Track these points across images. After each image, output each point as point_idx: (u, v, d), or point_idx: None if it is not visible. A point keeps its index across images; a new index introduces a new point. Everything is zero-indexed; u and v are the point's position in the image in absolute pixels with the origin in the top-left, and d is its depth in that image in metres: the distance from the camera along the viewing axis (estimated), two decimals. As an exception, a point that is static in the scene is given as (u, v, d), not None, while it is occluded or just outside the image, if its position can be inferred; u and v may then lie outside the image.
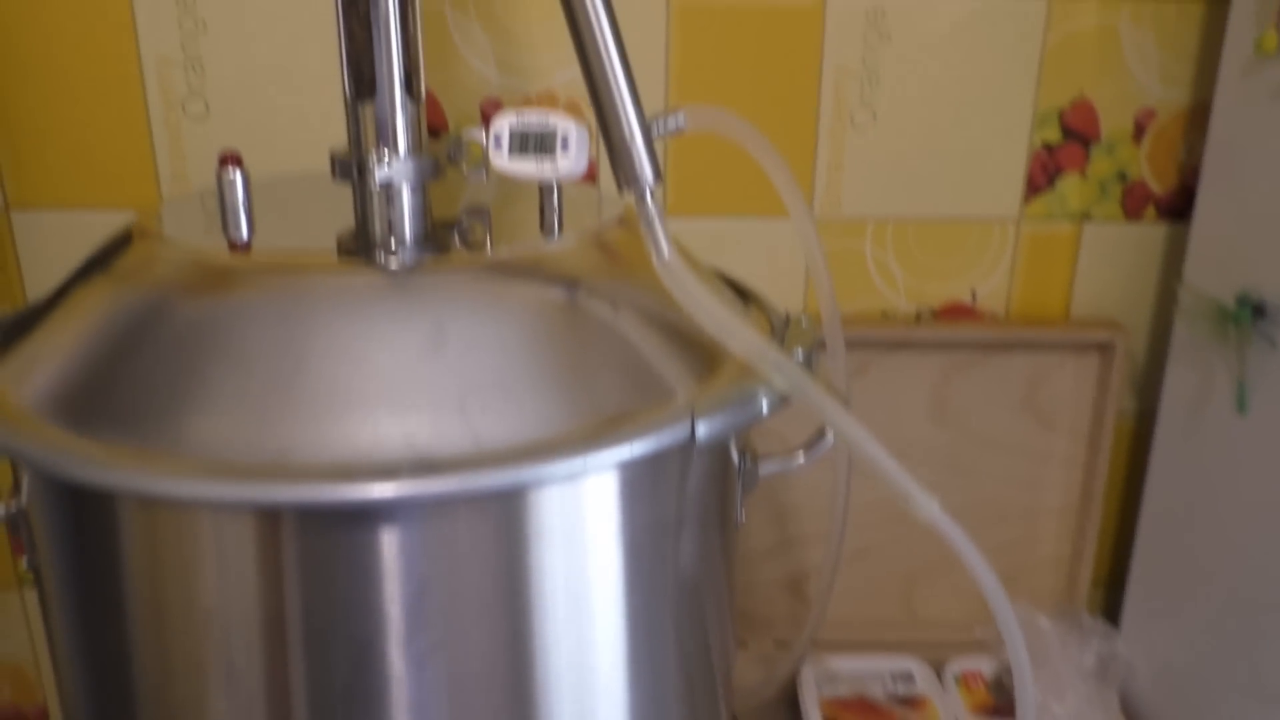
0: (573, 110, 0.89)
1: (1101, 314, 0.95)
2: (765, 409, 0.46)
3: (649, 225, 0.46)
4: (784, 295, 0.94)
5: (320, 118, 0.88)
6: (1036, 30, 0.88)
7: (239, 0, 0.85)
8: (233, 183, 0.55)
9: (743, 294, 0.63)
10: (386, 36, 0.51)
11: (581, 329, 0.47)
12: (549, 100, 0.88)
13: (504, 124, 0.52)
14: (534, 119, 0.52)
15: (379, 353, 0.41)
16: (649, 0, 0.86)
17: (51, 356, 0.44)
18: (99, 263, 0.52)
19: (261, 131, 0.88)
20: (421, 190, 0.54)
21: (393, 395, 0.40)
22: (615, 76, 0.45)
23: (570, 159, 0.52)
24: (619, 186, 0.46)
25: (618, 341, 0.48)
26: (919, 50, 0.88)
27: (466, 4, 0.86)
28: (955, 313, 0.96)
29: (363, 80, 0.52)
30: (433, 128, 0.89)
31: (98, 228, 0.90)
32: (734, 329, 0.47)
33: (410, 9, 0.52)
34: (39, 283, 0.92)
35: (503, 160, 0.52)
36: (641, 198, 0.46)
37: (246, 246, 0.55)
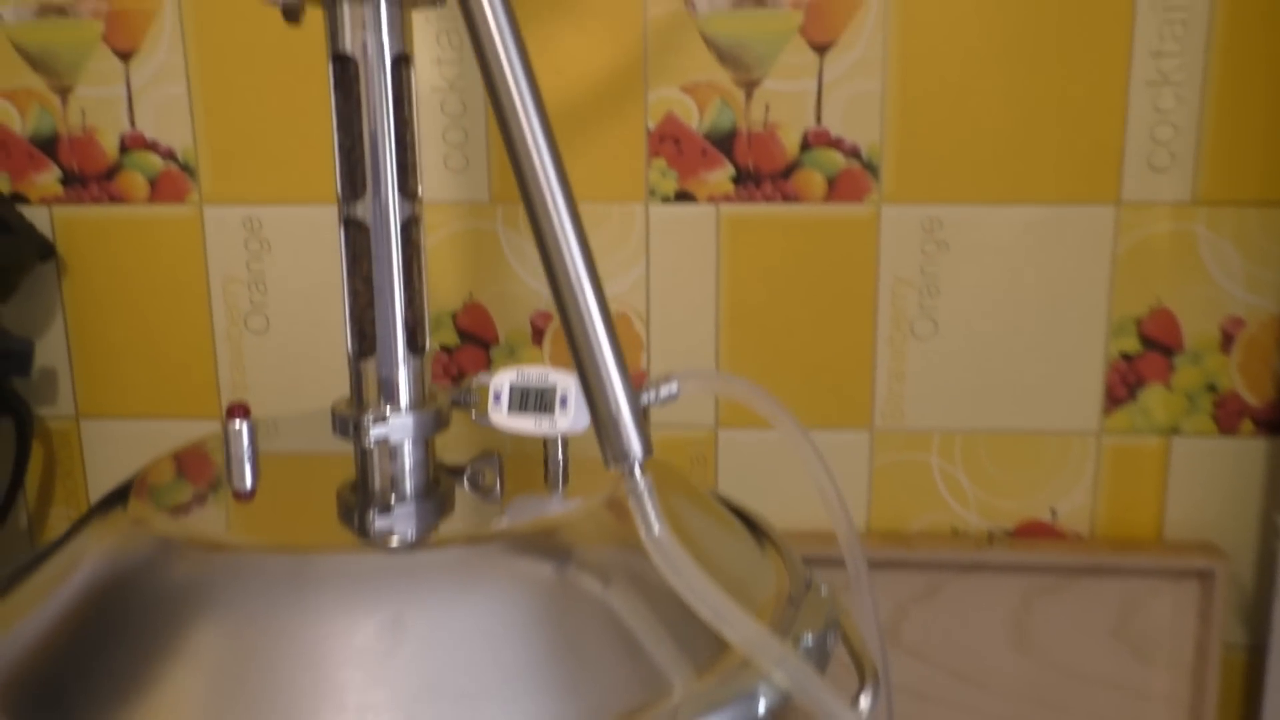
0: (622, 324, 0.88)
1: (1199, 536, 0.87)
2: (762, 709, 0.42)
3: (638, 502, 0.43)
4: (844, 511, 0.89)
5: (374, 331, 0.89)
6: (1106, 237, 0.84)
7: (302, 222, 0.88)
8: (238, 434, 0.55)
9: (763, 533, 0.59)
10: (390, 295, 0.50)
11: (566, 616, 0.43)
12: (598, 313, 0.88)
13: (504, 380, 0.51)
14: (534, 375, 0.51)
15: (327, 654, 0.38)
16: (698, 214, 0.86)
17: (10, 632, 0.43)
18: (94, 514, 0.52)
19: (319, 346, 0.90)
20: (424, 444, 0.53)
21: (334, 704, 0.37)
22: (599, 346, 0.43)
23: (569, 417, 0.49)
24: (605, 462, 0.43)
25: (607, 628, 0.44)
26: (980, 259, 0.85)
27: (518, 221, 0.87)
28: (1034, 532, 0.89)
29: (364, 338, 0.51)
30: (483, 340, 0.90)
31: (161, 437, 0.92)
32: (729, 616, 0.42)
33: (415, 266, 0.52)
34: (102, 489, 0.94)
35: (501, 417, 0.50)
36: (630, 474, 0.43)
37: (250, 495, 0.54)
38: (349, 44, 0.49)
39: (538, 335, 0.89)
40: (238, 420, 0.54)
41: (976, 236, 0.85)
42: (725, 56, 0.83)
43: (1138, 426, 0.86)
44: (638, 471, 0.43)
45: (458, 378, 0.90)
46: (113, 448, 0.94)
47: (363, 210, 0.50)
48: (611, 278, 0.87)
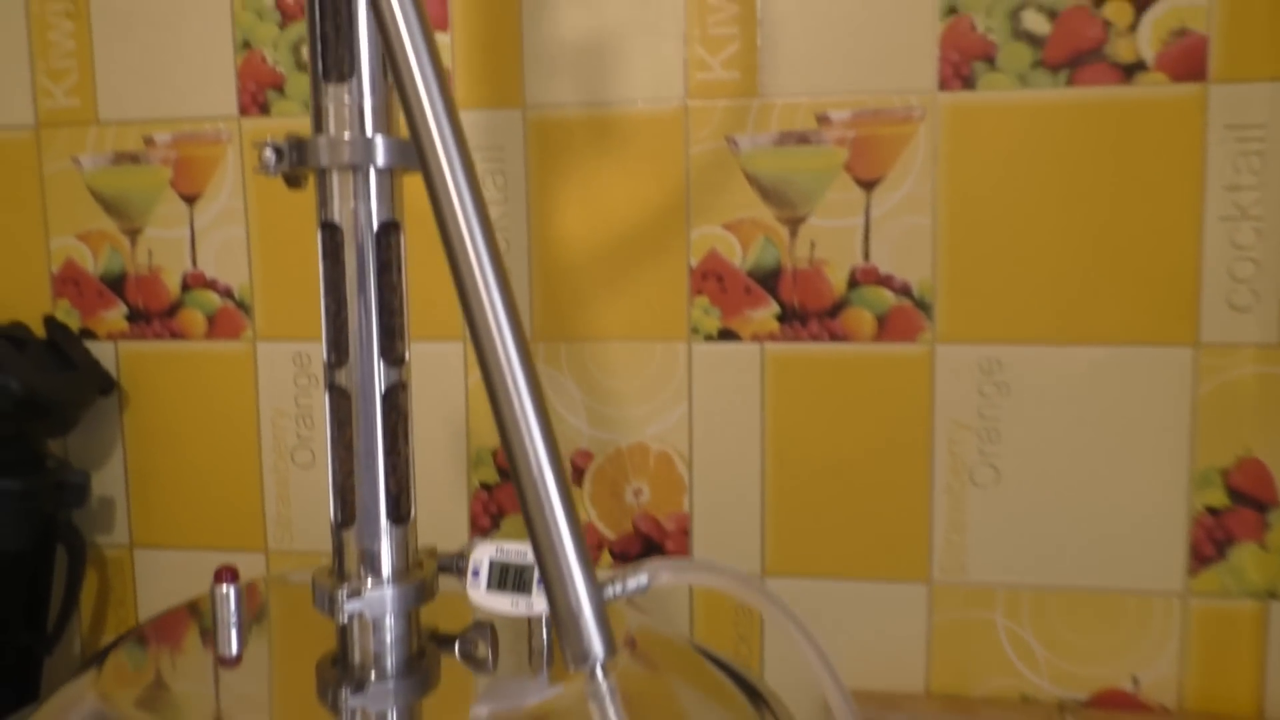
0: (664, 465, 0.85)
1: (1306, 716, 0.77)
2: None
3: (599, 707, 0.40)
4: (898, 666, 0.83)
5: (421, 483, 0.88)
6: (1184, 380, 0.77)
7: (349, 358, 0.89)
8: (225, 597, 0.54)
9: (766, 704, 0.54)
10: (372, 463, 0.49)
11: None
12: (640, 453, 0.85)
13: (484, 555, 0.48)
14: (514, 551, 0.48)
15: None
16: (742, 352, 0.83)
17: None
18: (73, 678, 0.51)
19: (360, 480, 0.90)
20: (406, 616, 0.50)
21: None
22: (559, 536, 0.40)
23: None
24: (565, 662, 0.40)
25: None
26: (1044, 403, 0.79)
27: (560, 359, 0.86)
28: (1113, 702, 0.80)
29: (346, 506, 0.50)
30: (523, 478, 0.88)
31: (209, 568, 0.93)
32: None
33: (401, 433, 0.50)
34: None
35: (479, 593, 0.48)
36: (591, 676, 0.40)
37: (234, 661, 0.53)
38: (336, 213, 0.48)
39: (577, 474, 0.87)
40: (224, 585, 0.53)
41: (1040, 378, 0.80)
42: (768, 193, 0.82)
43: (1229, 588, 0.78)
44: (599, 674, 0.40)
45: (498, 516, 0.88)
46: (164, 577, 0.94)
47: (345, 377, 0.49)
48: (653, 418, 0.85)
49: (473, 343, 0.41)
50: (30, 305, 0.93)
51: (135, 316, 0.92)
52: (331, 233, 0.49)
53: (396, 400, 0.50)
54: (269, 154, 0.48)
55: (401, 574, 0.50)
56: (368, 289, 0.48)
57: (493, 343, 0.40)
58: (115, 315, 0.92)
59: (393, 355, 0.49)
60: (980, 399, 0.81)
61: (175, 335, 0.91)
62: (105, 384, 0.90)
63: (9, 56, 0.91)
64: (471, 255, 0.40)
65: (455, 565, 0.53)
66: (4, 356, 0.82)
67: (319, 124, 0.48)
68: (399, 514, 0.50)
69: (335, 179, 0.48)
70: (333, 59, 0.48)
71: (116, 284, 0.92)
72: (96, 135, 0.91)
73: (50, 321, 0.91)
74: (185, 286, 0.91)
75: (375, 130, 0.48)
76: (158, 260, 0.91)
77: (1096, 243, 0.78)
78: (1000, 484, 0.81)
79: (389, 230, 0.49)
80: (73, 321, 0.93)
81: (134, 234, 0.91)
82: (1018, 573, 0.81)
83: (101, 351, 0.92)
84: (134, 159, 0.90)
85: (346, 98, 0.48)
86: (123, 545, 0.95)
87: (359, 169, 0.48)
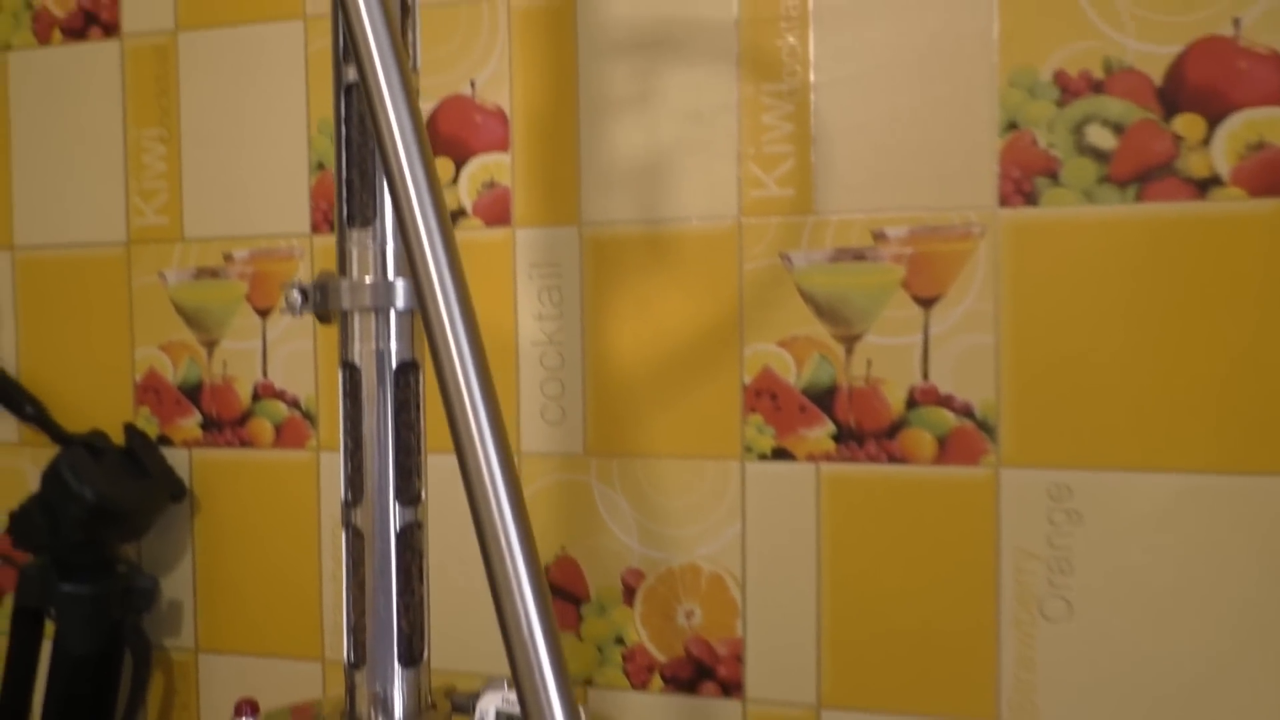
0: (716, 586, 0.83)
1: None
2: None
3: None
4: (966, 820, 0.77)
5: (471, 597, 0.88)
6: (1274, 498, 0.72)
7: (407, 469, 0.90)
8: (245, 733, 0.53)
9: None
10: (385, 604, 0.49)
11: None
12: (692, 574, 0.83)
13: (491, 705, 0.47)
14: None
15: None
16: (797, 472, 0.81)
17: None
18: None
19: (415, 592, 0.90)
20: (415, 762, 0.49)
21: None
22: (549, 701, 0.38)
23: (550, 756, 0.45)
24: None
25: None
26: (1121, 534, 0.75)
27: (612, 477, 0.85)
28: None
29: (359, 648, 0.49)
30: (575, 596, 0.86)
31: (266, 675, 0.94)
32: None
33: (415, 573, 0.50)
34: (212, 724, 0.96)
35: (485, 747, 0.47)
36: None
37: (252, 801, 0.52)
38: (357, 354, 0.49)
39: (629, 594, 0.85)
40: (244, 718, 0.53)
41: (1116, 507, 0.75)
42: (823, 311, 0.80)
43: (1335, 745, 0.71)
44: None
45: (549, 633, 0.87)
46: (227, 682, 0.96)
47: (360, 517, 0.49)
48: (706, 537, 0.83)
49: (465, 492, 0.40)
50: (112, 413, 0.97)
51: (209, 425, 0.95)
52: (351, 372, 0.50)
53: (411, 540, 0.50)
54: (295, 296, 0.49)
55: (413, 717, 0.49)
56: (385, 429, 0.49)
57: (485, 496, 0.39)
58: (191, 423, 0.95)
59: (408, 495, 0.49)
60: (1050, 527, 0.76)
61: (245, 443, 0.94)
62: (177, 491, 0.93)
63: (106, 178, 0.97)
64: (470, 416, 0.39)
65: (471, 705, 0.52)
66: (81, 465, 0.86)
67: (343, 267, 0.50)
68: (411, 655, 0.49)
69: (357, 320, 0.49)
70: (357, 204, 0.49)
71: (193, 393, 0.95)
72: (181, 251, 0.95)
73: (129, 429, 0.94)
74: (256, 396, 0.94)
75: (397, 273, 0.49)
76: (231, 370, 0.94)
77: (1175, 363, 0.74)
78: (1073, 619, 0.76)
79: (408, 370, 0.50)
80: (152, 429, 0.96)
81: (211, 345, 0.95)
82: (1095, 717, 0.75)
83: (177, 458, 0.95)
84: (214, 274, 0.94)
85: (370, 242, 0.49)
86: (189, 649, 0.96)
87: (380, 311, 0.49)
